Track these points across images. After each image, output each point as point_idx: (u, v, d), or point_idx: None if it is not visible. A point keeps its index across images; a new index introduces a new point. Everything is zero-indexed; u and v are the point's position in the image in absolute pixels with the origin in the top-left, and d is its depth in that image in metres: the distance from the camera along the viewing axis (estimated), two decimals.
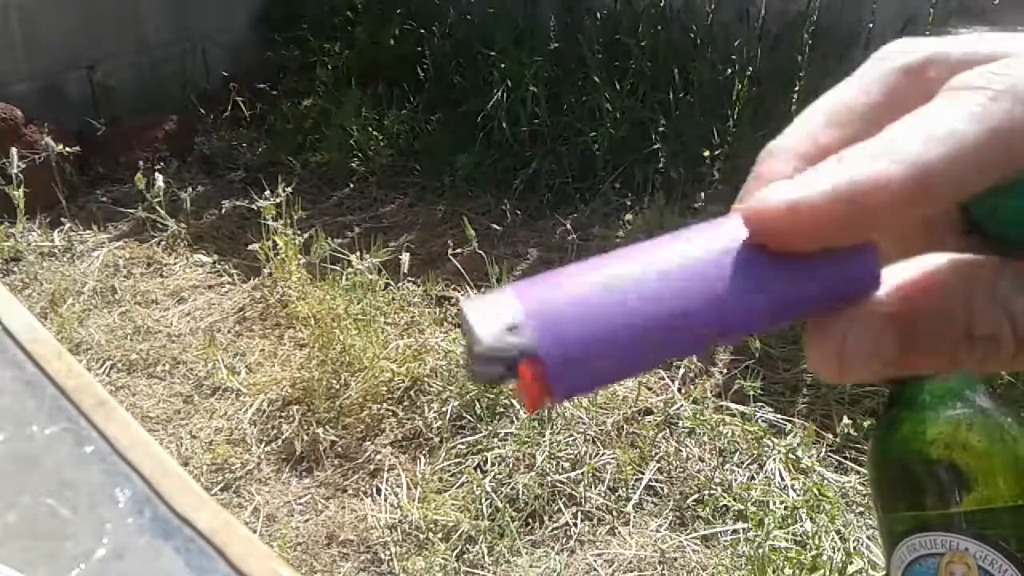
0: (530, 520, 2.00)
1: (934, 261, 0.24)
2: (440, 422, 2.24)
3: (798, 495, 2.00)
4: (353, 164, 3.63)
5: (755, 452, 2.14)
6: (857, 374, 0.23)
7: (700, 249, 0.23)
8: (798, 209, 0.22)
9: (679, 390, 2.33)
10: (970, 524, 0.47)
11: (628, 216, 3.11)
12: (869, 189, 0.21)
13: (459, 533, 1.95)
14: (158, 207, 2.96)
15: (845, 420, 2.08)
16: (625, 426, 2.22)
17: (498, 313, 0.22)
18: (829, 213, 0.22)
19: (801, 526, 1.91)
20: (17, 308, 0.74)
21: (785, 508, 1.97)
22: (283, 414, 2.33)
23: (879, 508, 0.52)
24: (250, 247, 2.75)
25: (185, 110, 3.85)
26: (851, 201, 0.22)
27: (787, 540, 1.87)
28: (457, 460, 2.15)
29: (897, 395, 0.52)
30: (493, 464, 2.11)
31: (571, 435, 2.18)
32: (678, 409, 2.25)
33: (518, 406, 2.25)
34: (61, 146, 3.12)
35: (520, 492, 2.03)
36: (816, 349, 0.23)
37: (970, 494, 0.47)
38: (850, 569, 1.79)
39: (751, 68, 3.44)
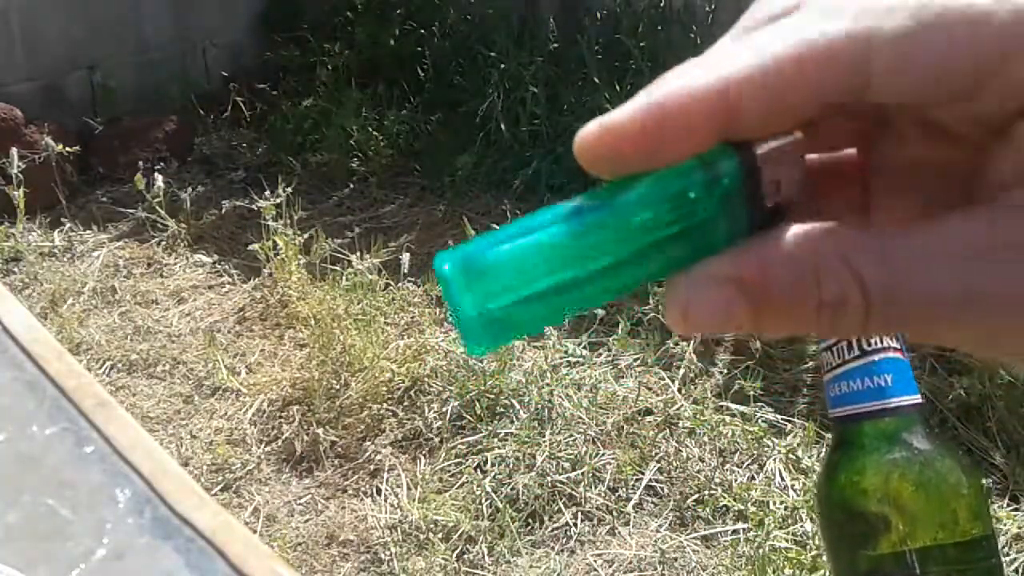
0: (530, 520, 2.00)
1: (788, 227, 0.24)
2: (440, 422, 2.24)
3: (798, 495, 2.00)
4: (353, 164, 3.63)
5: (755, 452, 2.14)
6: (705, 330, 0.24)
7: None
8: (609, 127, 0.23)
9: (679, 390, 2.33)
10: (908, 565, 0.49)
11: None
12: (671, 99, 0.23)
13: (459, 533, 1.95)
14: (158, 207, 2.96)
15: None
16: (625, 426, 2.22)
17: None
18: (636, 127, 0.23)
19: (801, 526, 1.91)
20: (17, 308, 0.74)
21: (785, 508, 1.97)
22: (283, 414, 2.33)
23: (827, 549, 0.53)
24: (250, 247, 2.75)
25: (185, 110, 3.85)
26: (651, 113, 0.23)
27: (787, 540, 1.87)
28: (457, 460, 2.16)
29: (837, 437, 0.53)
30: (493, 464, 2.11)
31: (571, 435, 2.18)
32: (678, 409, 2.25)
33: (518, 406, 2.25)
34: (61, 146, 3.12)
35: (520, 492, 2.03)
36: (668, 303, 0.24)
37: (906, 538, 0.49)
38: None
39: None
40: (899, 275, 0.22)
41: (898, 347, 0.50)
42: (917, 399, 0.50)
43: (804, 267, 0.23)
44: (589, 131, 0.24)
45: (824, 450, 2.13)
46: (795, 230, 0.24)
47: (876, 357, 0.50)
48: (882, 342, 0.50)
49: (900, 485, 0.49)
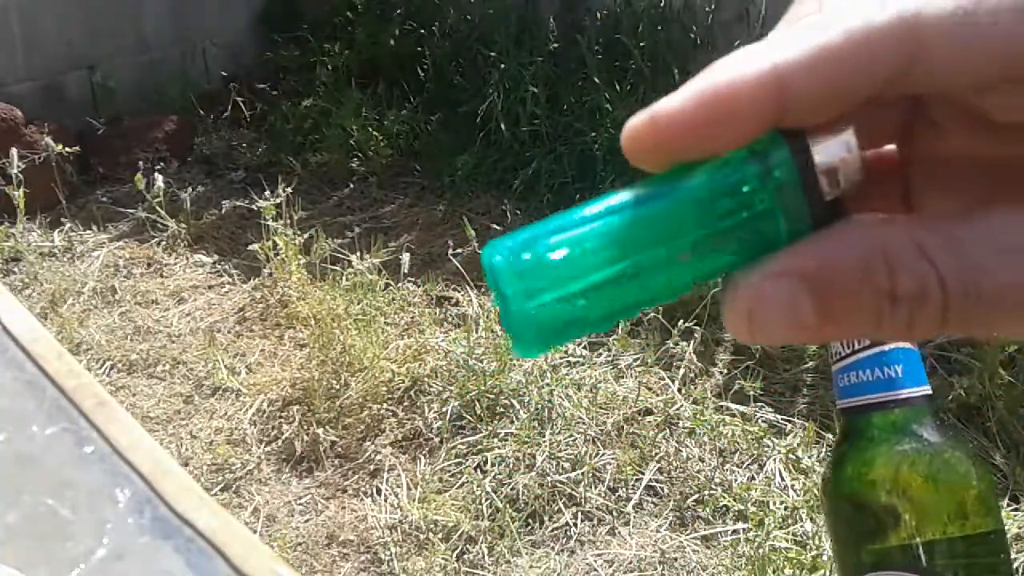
0: (530, 520, 2.00)
1: (851, 219, 0.23)
2: (440, 422, 2.24)
3: (798, 495, 2.00)
4: (353, 164, 3.63)
5: (755, 452, 2.14)
6: (770, 337, 0.22)
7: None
8: (657, 118, 0.23)
9: (679, 390, 2.33)
10: (916, 558, 0.48)
11: None
12: (721, 86, 0.22)
13: (459, 533, 1.95)
14: (158, 207, 2.96)
15: None
16: (625, 426, 2.22)
17: None
18: (687, 116, 0.22)
19: (801, 526, 1.91)
20: (17, 308, 0.74)
21: (785, 508, 1.97)
22: (283, 414, 2.33)
23: (832, 542, 0.52)
24: (250, 247, 2.75)
25: (185, 110, 3.85)
26: (702, 101, 0.22)
27: (787, 540, 1.87)
28: (457, 460, 2.15)
29: (845, 429, 0.51)
30: (493, 464, 2.11)
31: (571, 435, 2.18)
32: (678, 409, 2.25)
33: (518, 406, 2.25)
34: (61, 146, 3.12)
35: (520, 492, 2.03)
36: (727, 306, 0.23)
37: (915, 531, 0.48)
38: None
39: None
40: (976, 267, 0.21)
41: None
42: (927, 390, 0.50)
43: (874, 257, 0.22)
44: (639, 123, 0.23)
45: (824, 450, 2.13)
46: (860, 220, 0.23)
47: (886, 347, 0.49)
48: None
49: (910, 477, 0.48)
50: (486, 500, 2.02)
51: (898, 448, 0.49)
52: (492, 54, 3.66)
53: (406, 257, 2.56)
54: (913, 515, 0.48)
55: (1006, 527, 1.90)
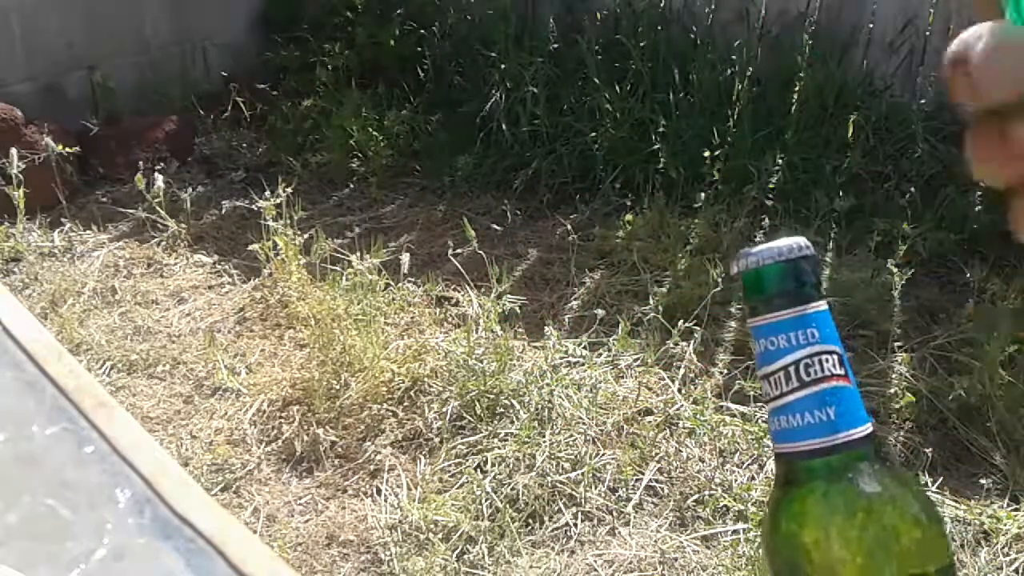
0: (530, 520, 2.00)
1: None
2: (440, 422, 2.24)
3: None
4: (353, 164, 3.63)
5: (755, 452, 2.14)
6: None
7: None
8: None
9: (679, 390, 2.32)
10: None
11: (628, 216, 3.11)
12: None
13: (459, 533, 1.95)
14: (158, 207, 2.96)
15: None
16: (625, 426, 2.22)
17: None
18: None
19: None
20: (17, 308, 0.74)
21: None
22: (283, 414, 2.33)
23: None
24: (250, 247, 2.75)
25: (185, 110, 3.85)
26: None
27: None
28: (457, 460, 2.15)
29: (781, 475, 0.48)
30: (493, 464, 2.11)
31: (571, 435, 2.18)
32: (678, 409, 2.25)
33: (518, 406, 2.25)
34: (61, 146, 3.12)
35: (520, 492, 2.03)
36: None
37: None
38: None
39: (751, 68, 3.44)
40: None
41: (842, 374, 0.45)
42: (865, 430, 0.46)
43: None
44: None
45: None
46: None
47: (817, 388, 0.44)
48: (823, 370, 0.45)
49: (842, 536, 0.45)
50: (486, 500, 2.02)
51: (831, 502, 0.45)
52: (492, 54, 3.66)
53: (406, 257, 2.56)
54: (851, 571, 0.46)
55: (1006, 527, 1.90)
